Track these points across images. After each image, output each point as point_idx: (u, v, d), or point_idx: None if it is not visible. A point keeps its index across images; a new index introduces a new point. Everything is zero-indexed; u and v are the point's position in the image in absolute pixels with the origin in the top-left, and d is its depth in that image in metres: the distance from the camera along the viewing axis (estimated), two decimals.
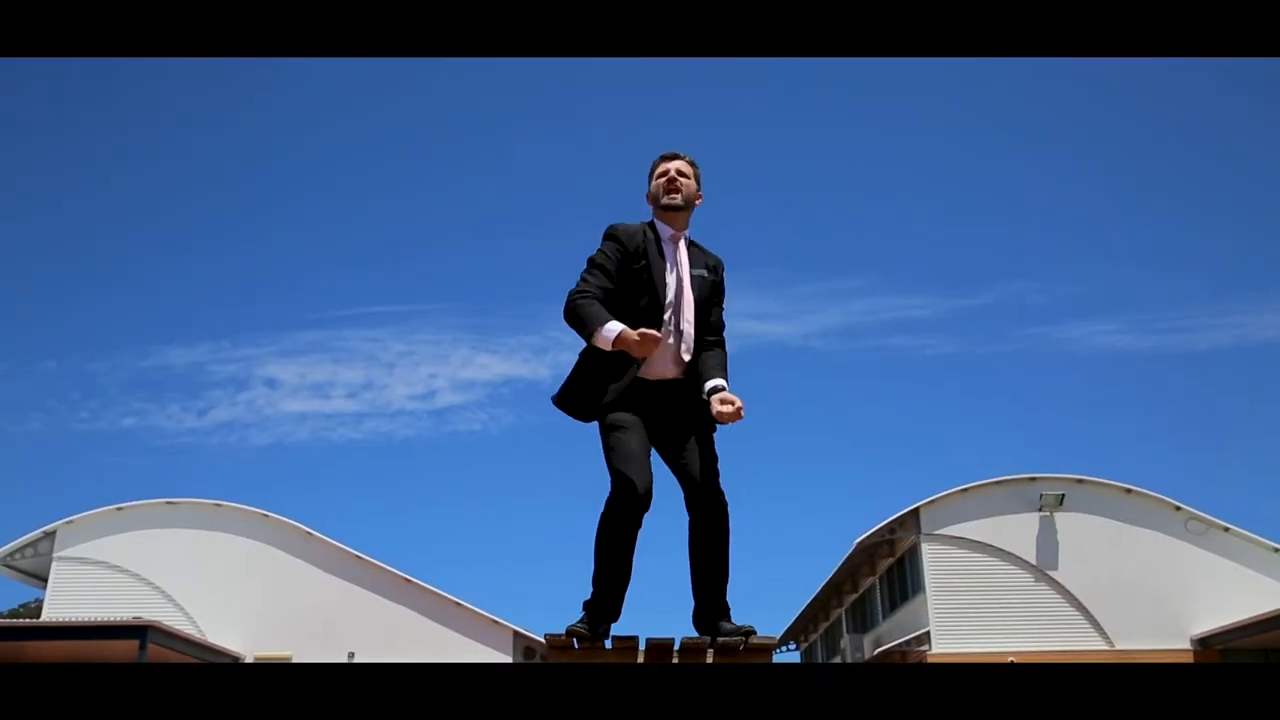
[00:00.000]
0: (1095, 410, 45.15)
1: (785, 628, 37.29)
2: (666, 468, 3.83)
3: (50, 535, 25.09)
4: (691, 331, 3.82)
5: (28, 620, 26.69)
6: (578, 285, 3.70)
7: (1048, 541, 24.28)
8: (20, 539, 25.15)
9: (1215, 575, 23.84)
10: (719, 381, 3.77)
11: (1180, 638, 23.32)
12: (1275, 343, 40.49)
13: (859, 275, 50.68)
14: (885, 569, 27.62)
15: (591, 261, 3.77)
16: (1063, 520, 24.38)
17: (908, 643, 24.12)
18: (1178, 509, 24.56)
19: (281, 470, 51.75)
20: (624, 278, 3.75)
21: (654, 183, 3.92)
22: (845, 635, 30.60)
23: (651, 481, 3.55)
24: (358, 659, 23.92)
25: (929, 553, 24.36)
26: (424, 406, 50.46)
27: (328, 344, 45.00)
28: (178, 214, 45.52)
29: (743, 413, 3.62)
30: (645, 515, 3.59)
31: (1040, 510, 24.39)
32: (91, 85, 45.42)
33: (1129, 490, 24.71)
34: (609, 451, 3.64)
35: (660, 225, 3.89)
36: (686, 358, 3.82)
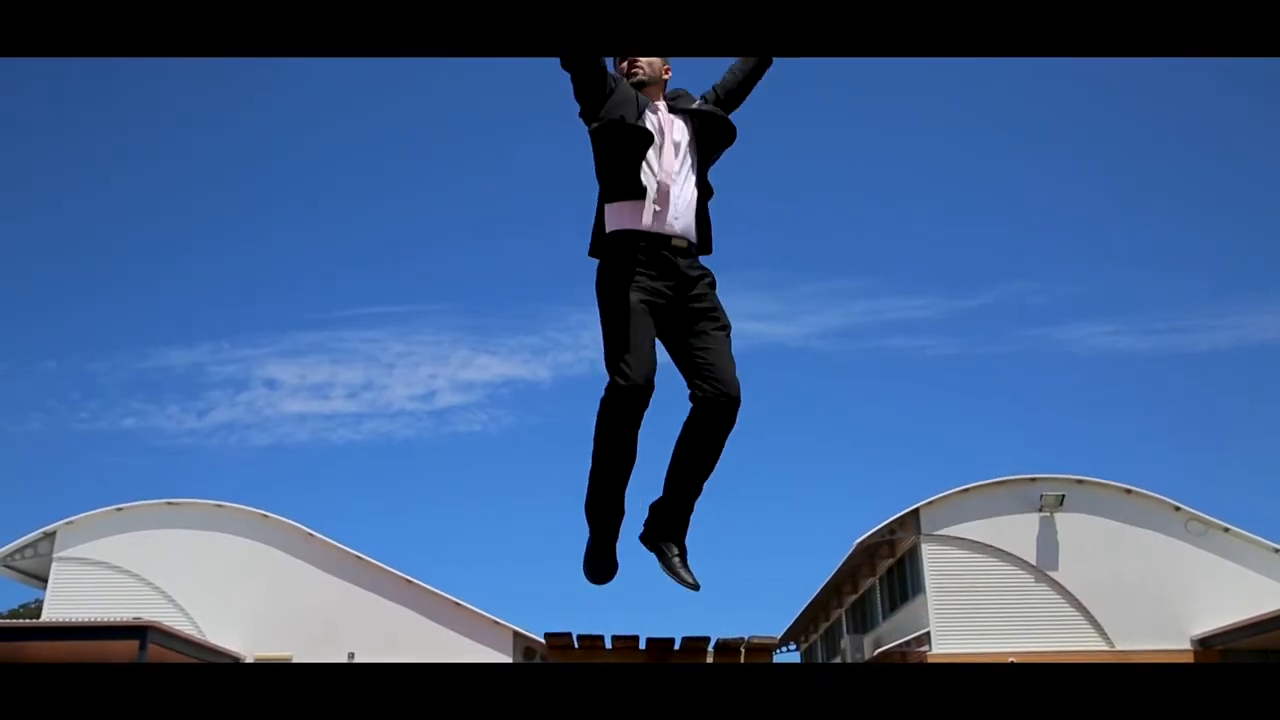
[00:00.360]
0: (1095, 411, 45.18)
1: (785, 628, 37.30)
2: (669, 355, 3.59)
3: (50, 536, 25.09)
4: (688, 181, 3.65)
5: (28, 621, 26.70)
6: None
7: (1048, 542, 24.28)
8: (20, 539, 25.16)
9: (1215, 576, 23.84)
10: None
11: (1180, 638, 23.31)
12: (1275, 343, 40.51)
13: (859, 276, 50.68)
14: (885, 569, 27.61)
15: None
16: (1063, 521, 24.38)
17: (908, 643, 24.12)
18: (1178, 509, 24.56)
19: (281, 471, 51.78)
20: (602, 108, 3.56)
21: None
22: (845, 635, 30.60)
23: (654, 370, 3.32)
24: (358, 659, 23.93)
25: (929, 553, 24.36)
26: (424, 407, 50.46)
27: (327, 345, 45.01)
28: (177, 214, 45.56)
29: None
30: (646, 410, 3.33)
31: (1040, 511, 24.39)
32: (91, 85, 45.45)
33: (1129, 491, 24.71)
34: (608, 335, 3.39)
35: None
36: (689, 200, 3.62)
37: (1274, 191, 40.80)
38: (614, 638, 6.01)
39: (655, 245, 3.51)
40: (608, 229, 3.61)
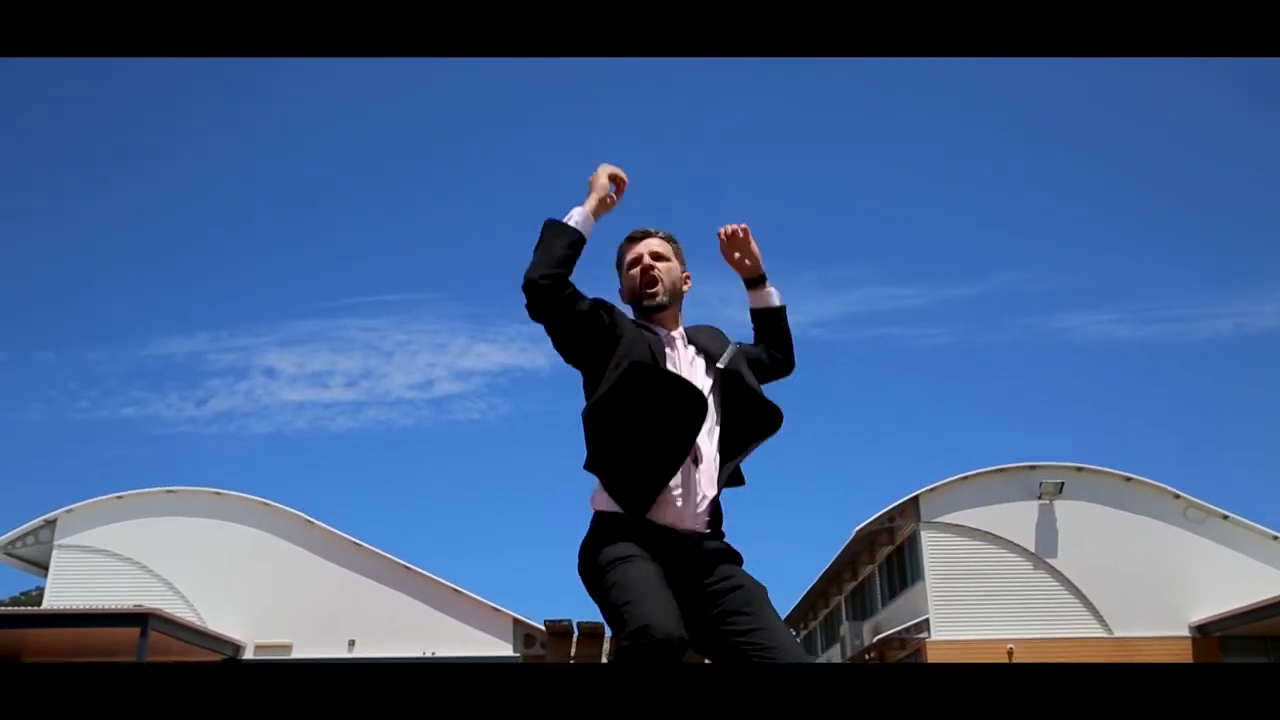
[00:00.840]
0: (1094, 399, 45.20)
1: (785, 615, 37.38)
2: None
3: (51, 523, 25.14)
4: (714, 461, 2.78)
5: (29, 609, 26.76)
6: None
7: (1047, 529, 24.34)
8: (21, 527, 25.21)
9: (1214, 563, 23.90)
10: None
11: (1179, 625, 23.39)
12: (1273, 332, 40.49)
13: (855, 265, 50.65)
14: (885, 557, 27.68)
15: None
16: (1062, 508, 24.43)
17: (907, 630, 24.19)
18: (1177, 497, 24.61)
19: (281, 459, 51.82)
20: (605, 357, 2.74)
21: (625, 276, 2.96)
22: (845, 622, 30.69)
23: (681, 623, 2.40)
24: (358, 646, 24.01)
25: (928, 540, 24.42)
26: (422, 396, 50.50)
27: (326, 333, 44.97)
28: (174, 204, 45.50)
29: (746, 237, 2.96)
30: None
31: (1040, 498, 24.44)
32: (91, 75, 45.31)
33: (1128, 478, 24.76)
34: (615, 594, 2.49)
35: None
36: (710, 493, 2.75)
37: (1272, 181, 40.76)
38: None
39: (664, 537, 2.65)
40: (596, 505, 2.74)
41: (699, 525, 2.71)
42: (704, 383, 2.80)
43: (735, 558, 2.76)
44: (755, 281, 3.08)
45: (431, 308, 49.23)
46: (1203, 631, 23.21)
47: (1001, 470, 24.89)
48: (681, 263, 2.99)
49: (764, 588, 2.67)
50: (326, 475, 52.15)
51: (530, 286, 2.68)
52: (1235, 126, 40.50)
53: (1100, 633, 23.40)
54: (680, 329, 2.94)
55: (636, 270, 2.91)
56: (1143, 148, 43.66)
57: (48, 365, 45.94)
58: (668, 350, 2.82)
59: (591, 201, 2.81)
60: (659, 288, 2.89)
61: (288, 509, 25.51)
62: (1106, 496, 24.58)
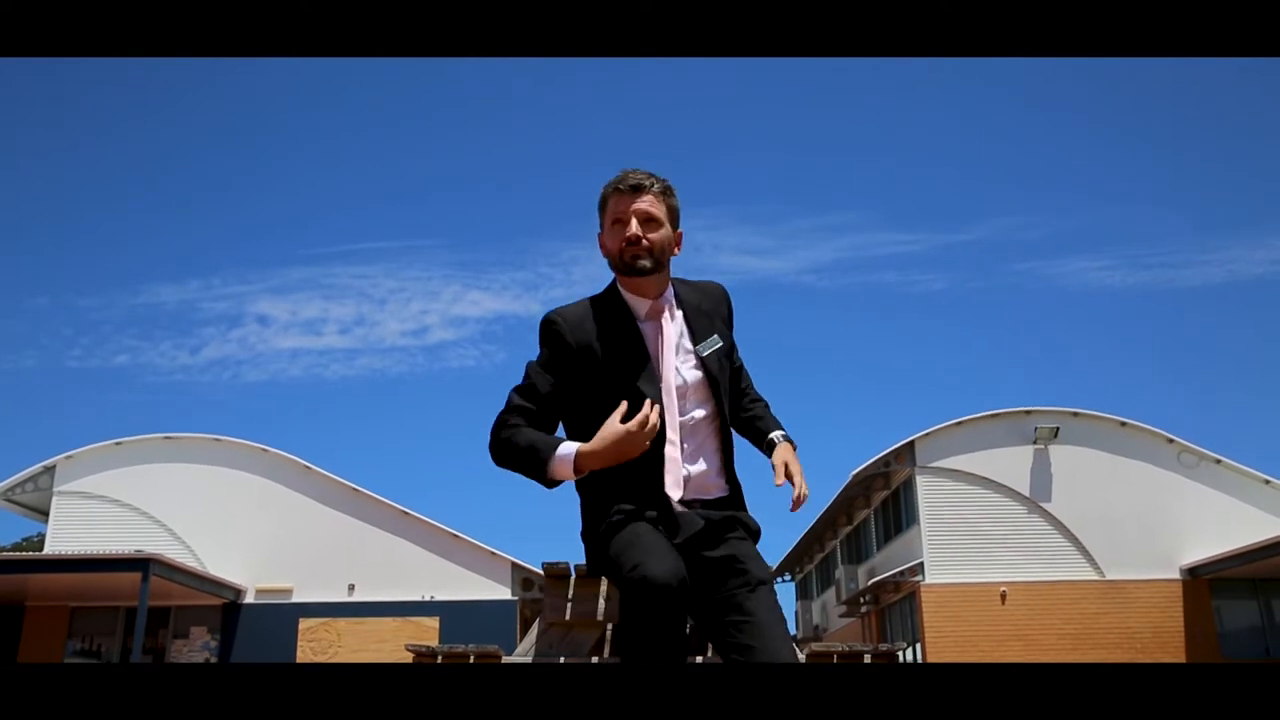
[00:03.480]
0: (1089, 345, 45.29)
1: (780, 559, 37.76)
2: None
3: (50, 470, 25.23)
4: (706, 434, 2.64)
5: (32, 554, 26.96)
6: (498, 418, 2.54)
7: (1041, 474, 24.50)
8: (20, 473, 25.30)
9: (1206, 506, 24.11)
10: (778, 433, 2.83)
11: (1170, 568, 23.64)
12: (1266, 278, 40.48)
13: (850, 211, 50.43)
14: (880, 501, 27.89)
15: (518, 388, 2.58)
16: (1057, 453, 24.57)
17: (901, 573, 24.45)
18: (1170, 441, 24.76)
19: (276, 406, 51.93)
20: (583, 388, 2.54)
21: (608, 233, 2.64)
22: (840, 566, 30.99)
23: (681, 567, 2.29)
24: (358, 590, 24.24)
25: (923, 485, 24.59)
26: (416, 343, 50.50)
27: (318, 280, 44.82)
28: (165, 151, 45.09)
29: (804, 498, 2.65)
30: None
31: (1035, 443, 24.57)
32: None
33: (1123, 423, 24.88)
34: (615, 555, 2.38)
35: (628, 296, 2.64)
36: (701, 468, 2.60)
37: (1262, 129, 40.45)
38: None
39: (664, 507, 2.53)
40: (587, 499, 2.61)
41: (701, 495, 2.58)
42: (686, 359, 2.63)
43: (744, 529, 2.60)
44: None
45: (423, 255, 49.05)
46: (1193, 574, 23.47)
47: (996, 415, 24.99)
48: (674, 222, 2.67)
49: (768, 580, 2.52)
50: (323, 422, 52.32)
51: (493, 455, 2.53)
52: (1226, 75, 40.12)
53: (1092, 575, 23.66)
54: (668, 291, 2.68)
55: (621, 238, 2.59)
56: (1135, 96, 43.27)
57: (40, 312, 45.84)
58: (645, 329, 2.62)
59: (592, 462, 2.40)
60: (645, 258, 2.58)
61: (286, 455, 25.60)
62: (1101, 441, 24.71)
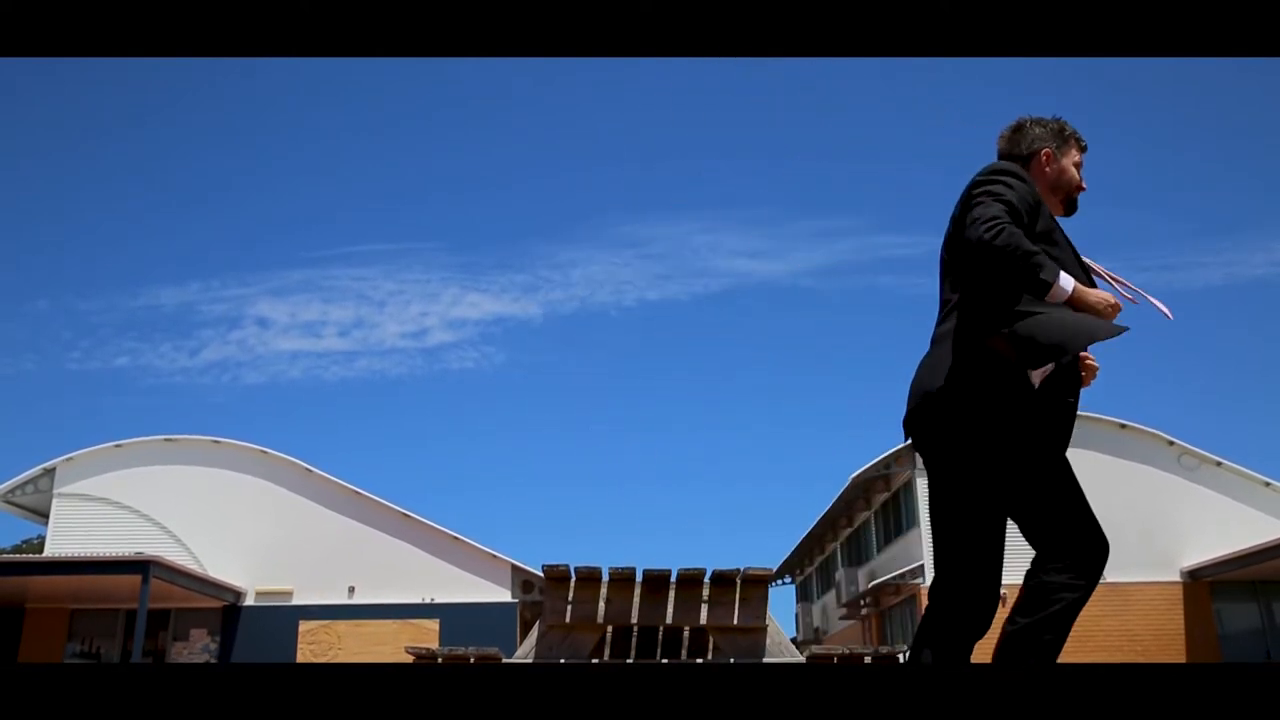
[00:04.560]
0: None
1: (781, 561, 37.72)
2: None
3: (50, 472, 25.20)
4: None
5: (33, 556, 26.94)
6: (991, 211, 2.63)
7: None
8: (20, 476, 25.28)
9: (1207, 509, 24.08)
10: None
11: (1170, 570, 23.61)
12: (1265, 280, 40.48)
13: (847, 215, 50.47)
14: (880, 503, 27.87)
15: (1002, 200, 2.70)
16: None
17: (902, 576, 24.42)
18: (1171, 443, 24.74)
19: (276, 408, 51.93)
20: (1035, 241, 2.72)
21: (1065, 175, 3.02)
22: (841, 569, 30.97)
23: None
24: (358, 593, 24.23)
25: (924, 487, 24.56)
26: (416, 345, 50.48)
27: (317, 283, 44.76)
28: (165, 153, 45.09)
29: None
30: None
31: None
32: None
33: (1123, 425, 24.86)
34: (1061, 502, 2.74)
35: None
36: None
37: (1261, 129, 40.47)
38: (611, 570, 6.07)
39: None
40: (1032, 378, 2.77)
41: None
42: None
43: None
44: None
45: (422, 257, 49.06)
46: (1194, 577, 23.45)
47: None
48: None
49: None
50: (323, 424, 52.31)
51: (991, 253, 2.63)
52: (1226, 75, 40.13)
53: None
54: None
55: (1078, 184, 2.99)
56: (1134, 97, 43.29)
57: (40, 316, 45.85)
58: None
59: (1088, 298, 2.72)
60: (1076, 207, 3.04)
61: (286, 457, 25.58)
62: (1101, 443, 24.68)
